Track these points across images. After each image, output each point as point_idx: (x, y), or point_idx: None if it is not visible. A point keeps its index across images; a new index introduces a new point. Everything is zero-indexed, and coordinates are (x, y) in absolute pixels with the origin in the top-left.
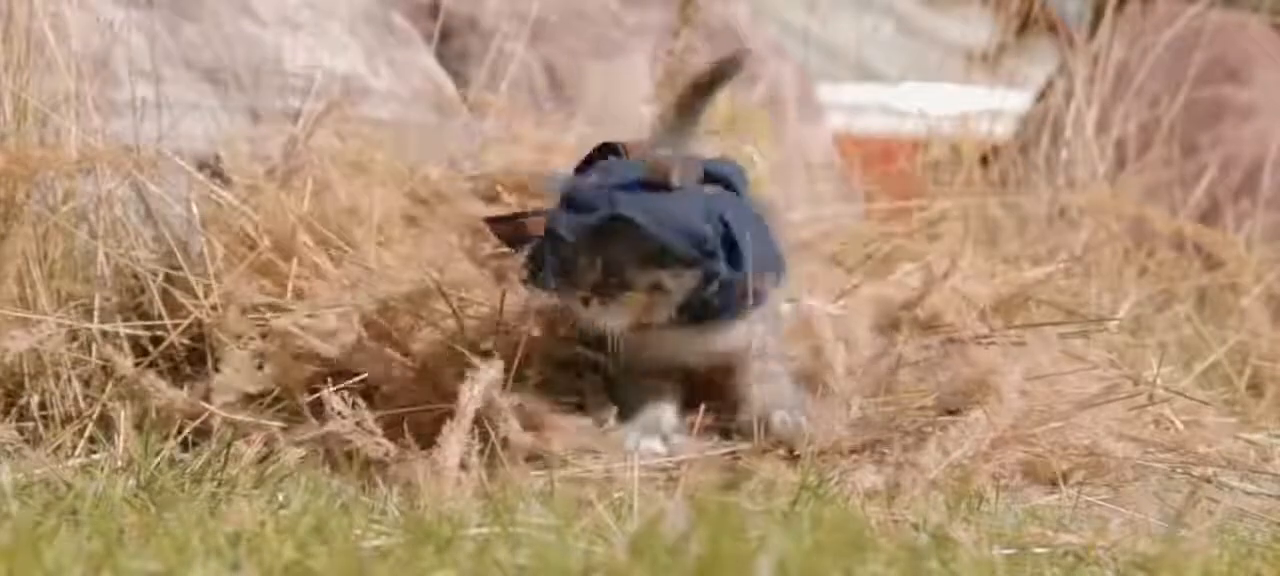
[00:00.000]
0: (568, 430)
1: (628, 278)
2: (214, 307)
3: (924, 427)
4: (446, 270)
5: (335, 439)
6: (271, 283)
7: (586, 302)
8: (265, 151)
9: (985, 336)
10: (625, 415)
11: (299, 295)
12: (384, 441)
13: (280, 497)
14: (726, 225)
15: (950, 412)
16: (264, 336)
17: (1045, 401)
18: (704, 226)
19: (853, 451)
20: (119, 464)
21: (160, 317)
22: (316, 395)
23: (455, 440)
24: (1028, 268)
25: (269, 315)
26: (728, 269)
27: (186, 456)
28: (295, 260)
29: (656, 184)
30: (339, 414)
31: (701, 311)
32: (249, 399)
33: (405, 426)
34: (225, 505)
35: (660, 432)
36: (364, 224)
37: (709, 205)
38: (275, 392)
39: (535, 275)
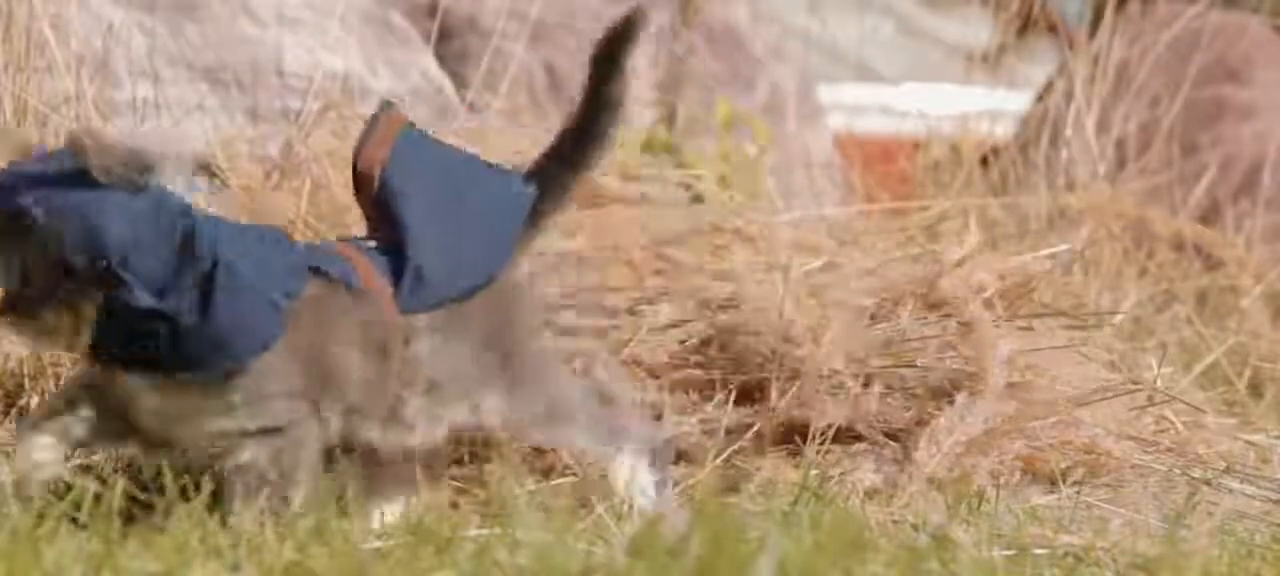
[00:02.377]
0: None
1: (36, 286)
2: None
3: (926, 410)
4: None
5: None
6: None
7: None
8: (263, 152)
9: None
10: None
11: None
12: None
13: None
14: (214, 262)
15: (942, 393)
16: None
17: (1044, 395)
18: (117, 234)
19: (850, 433)
20: (119, 464)
21: None
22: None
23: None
24: (1030, 256)
25: None
26: (189, 311)
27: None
28: None
29: (83, 175)
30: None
31: (161, 360)
32: None
33: None
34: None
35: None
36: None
37: (176, 220)
38: None
39: None
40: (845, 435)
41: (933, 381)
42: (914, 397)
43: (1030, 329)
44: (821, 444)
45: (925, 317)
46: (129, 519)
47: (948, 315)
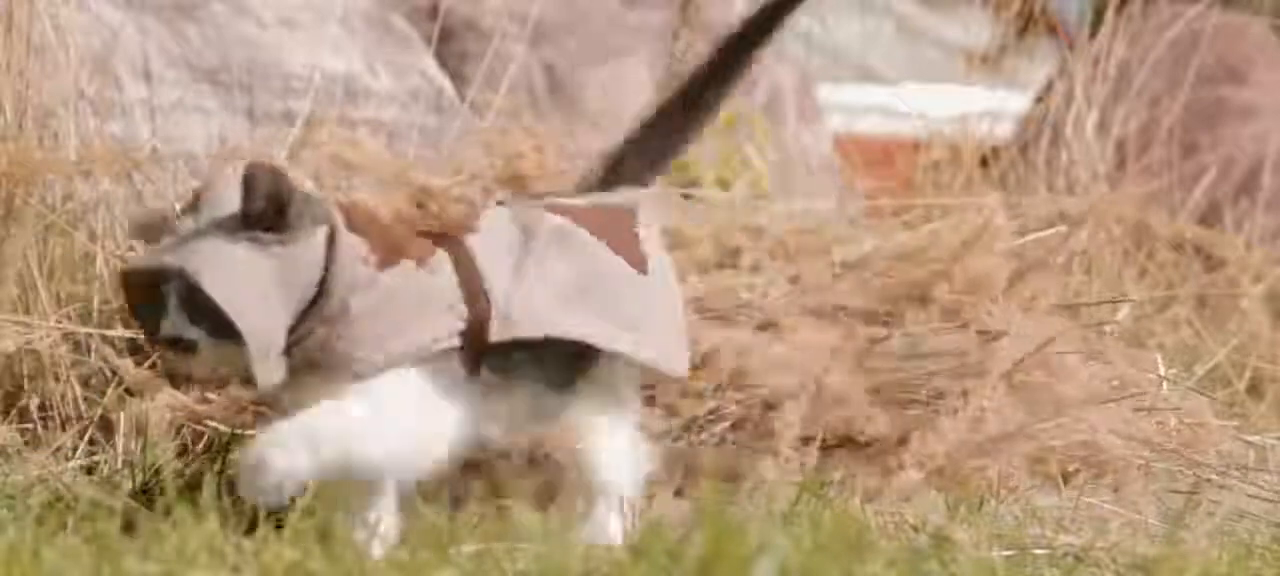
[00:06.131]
0: None
1: None
2: None
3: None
4: None
5: None
6: None
7: None
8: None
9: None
10: None
11: None
12: None
13: None
14: None
15: (948, 395)
16: None
17: (1049, 396)
18: None
19: (851, 441)
20: (119, 466)
21: None
22: None
23: None
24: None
25: None
26: None
27: (185, 459)
28: None
29: None
30: None
31: None
32: (248, 402)
33: None
34: (225, 508)
35: None
36: None
37: None
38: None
39: None
40: (847, 441)
41: (938, 384)
42: (918, 404)
43: (1050, 342)
44: (824, 451)
45: (933, 320)
46: (131, 520)
47: (956, 316)
